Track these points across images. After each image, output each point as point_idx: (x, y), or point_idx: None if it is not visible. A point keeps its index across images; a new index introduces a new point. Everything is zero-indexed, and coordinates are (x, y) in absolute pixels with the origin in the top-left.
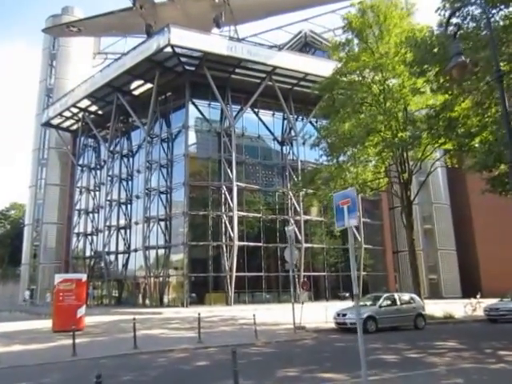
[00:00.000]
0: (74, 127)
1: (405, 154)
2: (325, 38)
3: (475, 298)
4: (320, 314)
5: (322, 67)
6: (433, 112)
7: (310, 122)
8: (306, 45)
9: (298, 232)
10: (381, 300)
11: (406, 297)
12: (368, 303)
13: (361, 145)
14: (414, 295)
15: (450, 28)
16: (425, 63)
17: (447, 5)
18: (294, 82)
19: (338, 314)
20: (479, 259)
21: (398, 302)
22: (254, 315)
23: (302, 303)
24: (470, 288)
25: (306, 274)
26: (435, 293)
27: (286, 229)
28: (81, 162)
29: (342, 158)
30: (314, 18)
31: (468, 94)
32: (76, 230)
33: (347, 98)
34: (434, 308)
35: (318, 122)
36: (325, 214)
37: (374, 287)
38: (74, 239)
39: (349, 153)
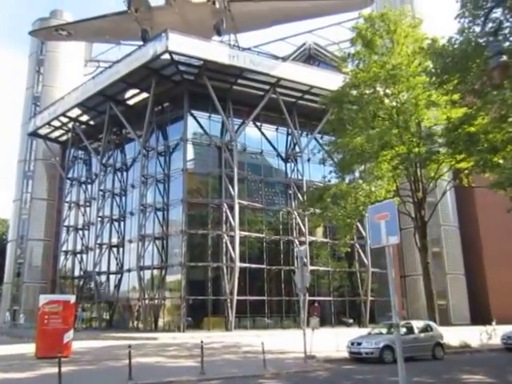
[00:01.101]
0: (64, 138)
1: (418, 172)
2: (329, 50)
3: (490, 324)
4: (328, 342)
5: (327, 80)
6: (451, 126)
7: (315, 138)
8: (309, 57)
9: None
10: None
11: (422, 324)
12: (383, 331)
13: (374, 160)
14: (431, 323)
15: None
16: (446, 73)
17: (467, 13)
18: (299, 95)
19: (353, 343)
20: (488, 283)
21: (416, 331)
22: (262, 343)
23: (313, 330)
24: (478, 314)
25: (311, 298)
26: (444, 319)
27: (296, 249)
28: (70, 176)
29: (352, 175)
30: (319, 29)
31: (491, 106)
32: (64, 248)
33: (358, 110)
34: (447, 336)
35: (324, 138)
36: (330, 234)
37: (380, 313)
38: (62, 257)
39: (360, 169)
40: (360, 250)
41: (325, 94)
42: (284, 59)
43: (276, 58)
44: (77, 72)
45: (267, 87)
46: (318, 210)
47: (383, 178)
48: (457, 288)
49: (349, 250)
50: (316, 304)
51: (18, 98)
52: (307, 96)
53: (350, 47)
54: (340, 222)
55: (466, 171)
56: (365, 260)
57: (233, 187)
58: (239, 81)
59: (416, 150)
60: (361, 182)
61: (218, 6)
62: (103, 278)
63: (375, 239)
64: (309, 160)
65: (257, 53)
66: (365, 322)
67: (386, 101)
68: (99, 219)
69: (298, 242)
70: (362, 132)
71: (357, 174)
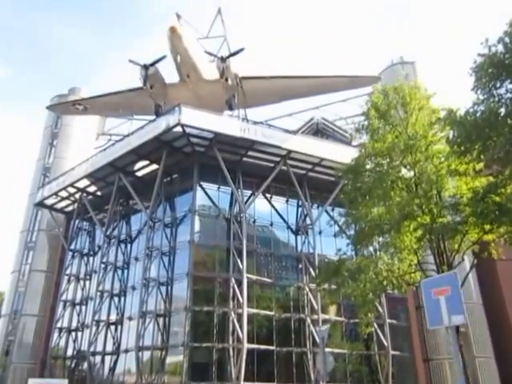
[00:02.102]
0: (69, 208)
1: (442, 244)
2: (337, 125)
3: None
4: None
5: (338, 152)
6: (477, 195)
7: (326, 211)
8: (317, 132)
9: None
10: None
11: None
12: None
13: (396, 231)
14: None
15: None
16: (468, 141)
17: (482, 85)
18: (309, 167)
19: None
20: None
21: None
22: None
23: None
24: None
25: None
26: None
27: (317, 329)
28: (72, 247)
29: (371, 248)
30: (325, 106)
31: None
32: (59, 325)
33: (376, 180)
34: None
35: (335, 210)
36: (345, 312)
37: None
38: (56, 335)
39: (379, 240)
40: (378, 331)
41: (339, 166)
42: (295, 132)
43: (287, 131)
44: (89, 145)
45: (278, 159)
46: (333, 286)
47: (404, 251)
48: (488, 374)
49: (372, 330)
50: None
51: (17, 160)
52: (317, 168)
53: (364, 120)
54: (360, 299)
55: (493, 243)
56: (384, 341)
57: (241, 261)
58: (250, 153)
59: (440, 220)
60: (381, 254)
61: (230, 82)
62: (98, 358)
63: (434, 319)
64: (320, 233)
65: (268, 126)
66: None
67: (404, 170)
68: (99, 293)
69: (310, 320)
70: (380, 202)
71: (371, 248)
